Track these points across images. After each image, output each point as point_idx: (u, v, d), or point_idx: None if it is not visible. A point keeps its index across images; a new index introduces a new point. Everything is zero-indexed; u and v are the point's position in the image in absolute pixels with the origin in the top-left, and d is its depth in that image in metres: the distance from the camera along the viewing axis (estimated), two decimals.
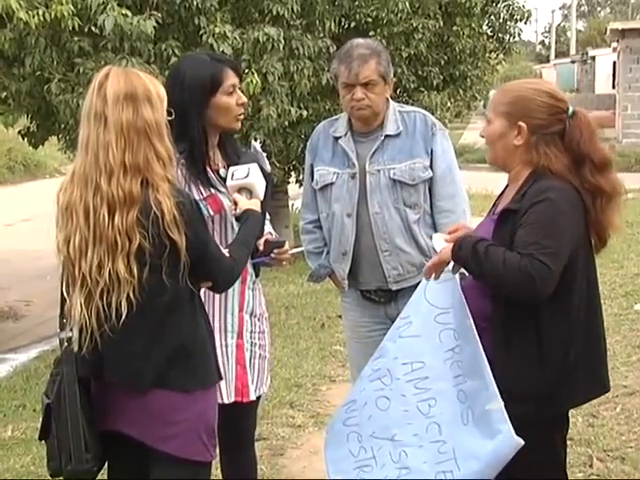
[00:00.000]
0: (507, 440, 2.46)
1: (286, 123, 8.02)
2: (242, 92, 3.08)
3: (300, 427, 4.83)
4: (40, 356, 6.80)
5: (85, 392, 2.51)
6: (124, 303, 2.41)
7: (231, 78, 3.01)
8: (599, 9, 66.50)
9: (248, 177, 2.90)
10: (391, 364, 2.78)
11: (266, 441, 4.59)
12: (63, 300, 2.53)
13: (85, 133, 2.47)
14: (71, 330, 2.49)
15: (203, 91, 2.94)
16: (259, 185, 2.91)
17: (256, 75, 6.94)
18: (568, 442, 4.19)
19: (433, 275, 2.72)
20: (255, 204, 2.86)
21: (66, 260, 2.48)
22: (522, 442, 2.44)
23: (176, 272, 2.45)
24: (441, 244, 2.77)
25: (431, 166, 3.49)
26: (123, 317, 2.42)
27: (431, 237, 3.08)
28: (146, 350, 2.49)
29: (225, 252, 2.66)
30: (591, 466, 4.10)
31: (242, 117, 3.06)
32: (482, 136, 2.76)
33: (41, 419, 2.56)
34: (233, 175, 2.92)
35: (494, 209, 2.79)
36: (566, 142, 2.61)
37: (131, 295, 2.42)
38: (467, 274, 2.72)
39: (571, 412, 4.54)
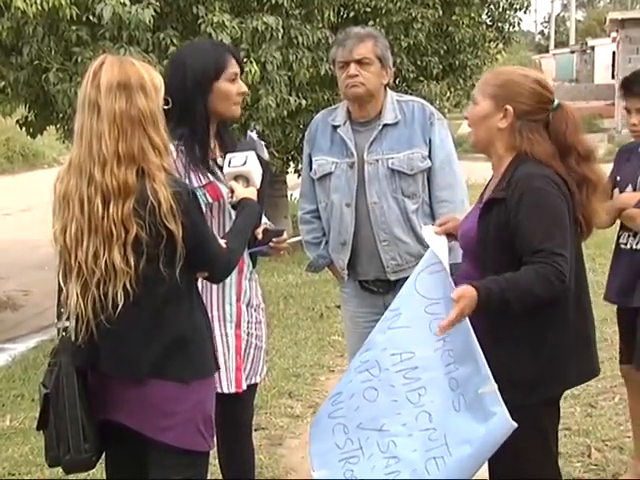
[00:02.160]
0: (500, 422, 2.44)
1: (285, 113, 8.01)
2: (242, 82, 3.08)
3: (298, 417, 4.83)
4: (38, 346, 6.81)
5: (83, 382, 2.50)
6: (120, 293, 2.40)
7: (234, 66, 3.01)
8: None
9: (245, 165, 2.87)
10: (379, 355, 2.76)
11: (264, 431, 4.59)
12: (60, 290, 2.53)
13: (79, 123, 2.45)
14: (68, 320, 2.48)
15: (207, 75, 2.94)
16: (256, 173, 2.88)
17: (255, 64, 6.94)
18: (567, 432, 4.25)
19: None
20: (252, 192, 2.84)
21: (62, 250, 2.47)
22: (515, 425, 2.42)
23: (173, 262, 2.44)
24: (431, 236, 2.77)
25: (429, 156, 3.48)
26: (119, 307, 2.41)
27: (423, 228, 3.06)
28: (143, 341, 2.48)
29: (222, 242, 2.65)
30: (589, 456, 4.10)
31: (240, 104, 3.05)
32: (466, 117, 2.75)
33: (39, 409, 2.55)
34: (230, 162, 2.90)
35: (481, 198, 2.79)
36: (551, 133, 2.63)
37: (127, 285, 2.40)
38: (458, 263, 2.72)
39: (569, 402, 4.59)
